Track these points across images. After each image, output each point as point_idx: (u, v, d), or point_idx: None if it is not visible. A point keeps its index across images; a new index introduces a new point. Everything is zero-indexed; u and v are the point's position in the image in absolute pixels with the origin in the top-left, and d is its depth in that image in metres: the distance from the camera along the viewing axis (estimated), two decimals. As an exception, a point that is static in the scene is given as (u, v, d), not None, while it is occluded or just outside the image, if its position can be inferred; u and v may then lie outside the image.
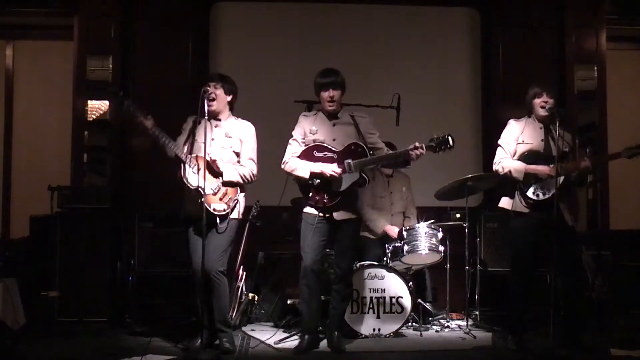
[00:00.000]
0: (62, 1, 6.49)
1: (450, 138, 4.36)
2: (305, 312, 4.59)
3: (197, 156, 4.33)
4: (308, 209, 4.55)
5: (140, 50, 6.51)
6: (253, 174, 4.52)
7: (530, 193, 4.47)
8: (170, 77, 6.42)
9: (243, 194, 4.53)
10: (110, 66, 6.32)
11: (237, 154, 4.52)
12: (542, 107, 4.50)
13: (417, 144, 4.38)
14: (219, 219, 4.38)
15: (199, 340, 4.33)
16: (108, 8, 6.34)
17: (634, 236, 6.16)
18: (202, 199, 4.24)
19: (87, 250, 5.47)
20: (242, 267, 5.42)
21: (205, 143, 4.23)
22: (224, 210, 4.40)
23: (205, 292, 4.35)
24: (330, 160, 4.50)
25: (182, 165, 4.35)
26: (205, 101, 4.30)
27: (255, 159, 4.55)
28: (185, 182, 4.31)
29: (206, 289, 4.35)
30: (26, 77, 6.96)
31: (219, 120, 4.50)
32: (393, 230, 5.43)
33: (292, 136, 4.64)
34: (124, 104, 4.49)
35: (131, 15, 6.48)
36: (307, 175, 4.47)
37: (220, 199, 4.40)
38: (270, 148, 4.79)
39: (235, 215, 4.46)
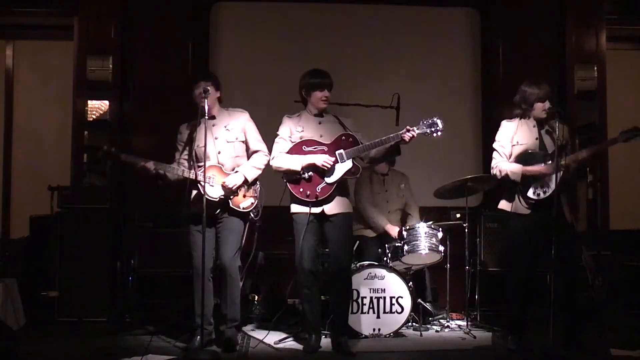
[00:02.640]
0: (62, 1, 6.48)
1: (439, 121, 4.39)
2: (308, 313, 4.59)
3: (210, 167, 4.39)
4: (298, 208, 4.53)
5: (140, 50, 6.50)
6: (267, 155, 4.64)
7: (530, 193, 4.46)
8: (170, 77, 6.41)
9: (259, 182, 4.65)
10: (110, 66, 6.31)
11: (244, 142, 4.61)
12: (544, 111, 4.47)
13: (408, 127, 4.39)
14: (252, 214, 4.54)
15: (199, 340, 4.33)
16: (108, 8, 6.34)
17: (634, 236, 6.16)
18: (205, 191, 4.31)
19: (87, 250, 5.47)
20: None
21: (205, 147, 4.30)
22: (252, 204, 4.55)
23: (215, 289, 4.47)
24: (321, 153, 4.51)
25: (197, 186, 4.40)
26: (206, 101, 4.32)
27: (260, 139, 4.68)
28: (210, 198, 4.36)
29: (214, 287, 4.44)
30: (26, 77, 6.96)
31: (214, 117, 4.53)
32: (394, 230, 5.43)
33: (277, 135, 4.66)
34: (120, 157, 4.57)
35: (131, 15, 6.48)
36: (298, 168, 4.47)
37: (245, 195, 4.52)
38: (270, 148, 4.78)
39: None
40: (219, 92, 4.62)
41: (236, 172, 4.51)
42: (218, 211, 4.46)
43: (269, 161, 4.60)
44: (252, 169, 4.55)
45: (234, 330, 4.56)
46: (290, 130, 4.63)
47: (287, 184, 4.56)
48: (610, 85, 6.73)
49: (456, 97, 6.74)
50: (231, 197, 4.45)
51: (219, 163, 4.48)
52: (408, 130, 4.37)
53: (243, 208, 4.51)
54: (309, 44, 6.62)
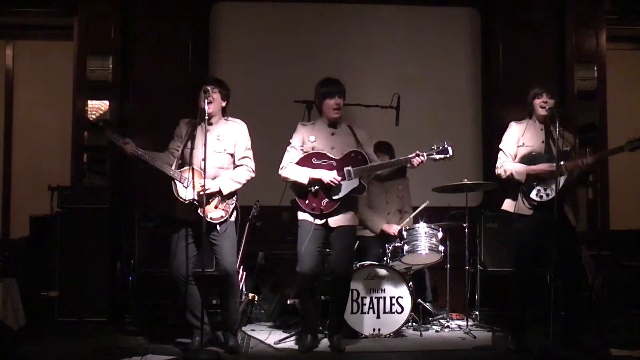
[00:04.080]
0: (62, 1, 6.48)
1: (449, 148, 4.44)
2: (306, 315, 4.64)
3: (190, 169, 4.36)
4: (303, 216, 4.55)
5: (140, 50, 6.50)
6: (250, 170, 4.52)
7: (533, 195, 4.46)
8: (170, 77, 6.42)
9: (236, 198, 4.50)
10: (110, 66, 6.32)
11: (232, 155, 4.52)
12: (542, 107, 4.49)
13: (418, 152, 4.44)
14: (218, 226, 4.41)
15: (199, 341, 4.33)
16: (108, 8, 6.34)
17: (634, 236, 6.16)
18: (199, 207, 4.29)
19: (87, 250, 5.47)
20: (242, 267, 5.42)
21: (206, 154, 4.27)
22: (222, 217, 4.41)
23: (181, 295, 4.39)
24: (329, 167, 4.51)
25: (173, 182, 4.38)
26: (205, 101, 4.31)
27: (250, 155, 4.55)
28: (179, 198, 4.34)
29: (183, 291, 4.38)
30: (26, 77, 6.96)
31: (210, 124, 4.47)
32: (391, 228, 5.44)
33: (290, 143, 4.65)
34: (105, 132, 4.53)
35: (131, 15, 6.48)
36: (305, 181, 4.48)
37: (216, 207, 4.40)
38: (270, 148, 4.79)
39: (232, 218, 4.48)
40: (225, 103, 4.55)
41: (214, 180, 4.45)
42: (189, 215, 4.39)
43: (250, 177, 4.50)
44: (229, 182, 4.43)
45: (235, 338, 4.53)
46: (302, 140, 4.62)
47: (295, 194, 4.58)
48: (610, 85, 6.73)
49: (456, 97, 6.74)
50: (202, 203, 4.34)
51: (200, 169, 4.38)
52: (417, 156, 4.41)
53: (211, 218, 4.38)
54: (309, 44, 6.63)
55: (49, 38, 6.91)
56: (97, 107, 6.31)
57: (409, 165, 4.51)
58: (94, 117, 6.29)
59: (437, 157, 4.44)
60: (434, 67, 6.74)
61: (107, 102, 6.31)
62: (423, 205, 5.51)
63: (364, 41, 6.69)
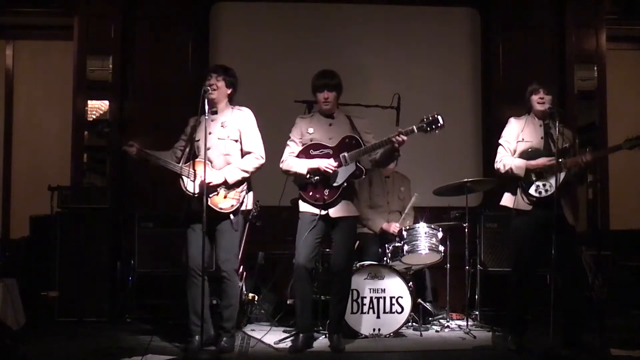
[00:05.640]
0: (62, 1, 6.49)
1: (439, 117, 4.34)
2: (299, 310, 4.60)
3: (193, 162, 4.38)
4: (305, 208, 4.57)
5: (140, 50, 6.51)
6: (258, 158, 4.50)
7: (532, 191, 4.47)
8: (170, 77, 6.43)
9: (246, 186, 4.49)
10: (110, 66, 6.33)
11: (236, 141, 4.50)
12: (540, 103, 4.52)
13: (400, 130, 4.37)
14: (232, 215, 4.41)
15: (198, 340, 4.32)
16: (108, 8, 6.35)
17: (634, 236, 6.16)
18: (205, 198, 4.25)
19: (87, 250, 5.48)
20: (242, 267, 5.41)
21: (206, 141, 4.28)
22: (232, 206, 4.41)
23: (193, 288, 4.36)
24: (326, 156, 4.53)
25: (180, 179, 4.41)
26: (206, 100, 4.31)
27: (258, 141, 4.55)
28: (187, 192, 4.37)
29: (197, 285, 4.33)
30: (26, 77, 6.96)
31: (215, 113, 4.50)
32: (391, 227, 5.46)
33: (289, 137, 4.69)
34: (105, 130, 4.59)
35: (131, 15, 6.49)
36: (304, 172, 4.51)
37: (226, 197, 4.41)
38: (270, 148, 4.78)
39: (245, 207, 4.48)
40: (230, 90, 4.57)
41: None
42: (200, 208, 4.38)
43: (259, 165, 4.50)
44: (235, 171, 4.42)
45: (230, 336, 4.50)
46: (301, 132, 4.66)
47: (298, 187, 4.60)
48: (610, 85, 6.74)
49: (456, 97, 6.73)
50: (210, 195, 4.34)
51: (207, 159, 4.39)
52: (399, 134, 4.34)
53: (220, 208, 4.38)
54: (309, 44, 6.63)
55: (49, 38, 6.91)
56: (97, 107, 6.32)
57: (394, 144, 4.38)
58: (94, 117, 6.30)
59: (428, 127, 4.33)
60: (434, 67, 6.74)
61: (107, 102, 6.32)
62: (413, 199, 5.52)
63: (364, 41, 6.69)
